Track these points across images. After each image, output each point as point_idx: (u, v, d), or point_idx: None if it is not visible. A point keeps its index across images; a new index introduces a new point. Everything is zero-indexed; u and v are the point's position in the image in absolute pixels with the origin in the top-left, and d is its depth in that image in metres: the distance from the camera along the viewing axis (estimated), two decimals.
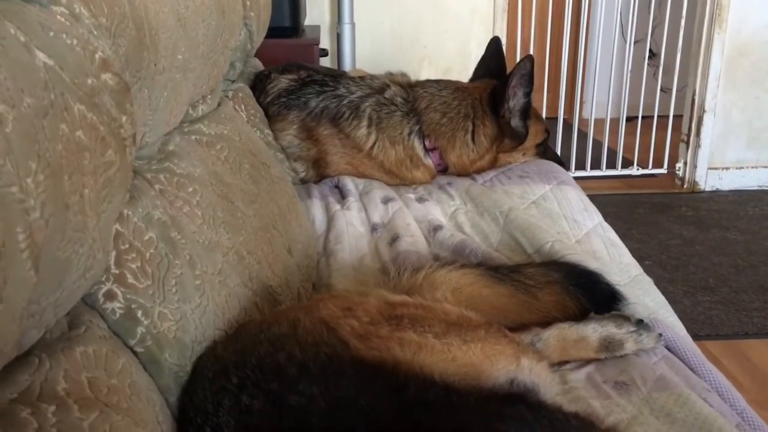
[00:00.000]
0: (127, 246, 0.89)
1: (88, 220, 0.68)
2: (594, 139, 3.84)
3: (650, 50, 4.10)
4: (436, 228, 1.63)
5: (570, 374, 1.13)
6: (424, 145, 1.91)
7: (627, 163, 3.88)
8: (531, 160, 2.02)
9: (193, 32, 1.20)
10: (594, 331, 1.18)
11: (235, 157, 1.36)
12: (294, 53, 2.53)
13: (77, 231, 0.65)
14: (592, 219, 1.70)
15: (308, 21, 3.27)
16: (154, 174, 1.06)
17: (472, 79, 2.12)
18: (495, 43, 2.14)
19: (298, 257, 1.44)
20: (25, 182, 0.57)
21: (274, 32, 2.24)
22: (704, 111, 3.65)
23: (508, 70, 1.94)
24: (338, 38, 3.41)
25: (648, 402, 1.06)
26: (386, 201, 1.76)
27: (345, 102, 1.92)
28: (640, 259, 1.59)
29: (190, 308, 0.96)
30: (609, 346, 1.17)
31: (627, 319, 1.20)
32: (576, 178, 2.04)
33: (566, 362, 1.17)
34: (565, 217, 1.68)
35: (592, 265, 1.38)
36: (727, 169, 3.75)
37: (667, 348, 1.20)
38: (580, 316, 1.24)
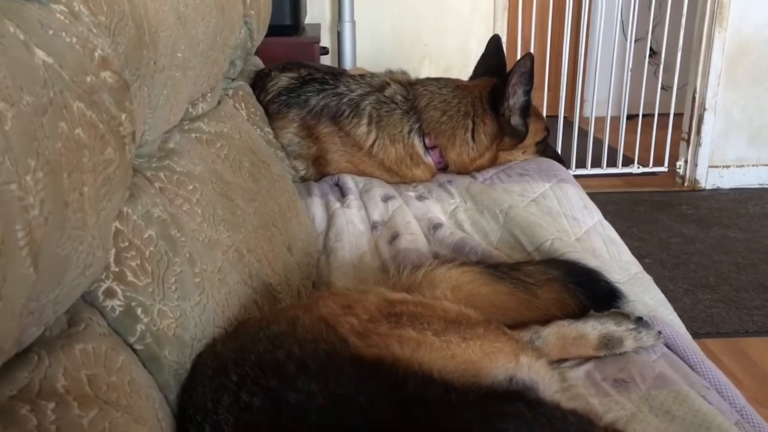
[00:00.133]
0: (126, 244, 0.89)
1: (87, 217, 0.68)
2: (594, 138, 3.84)
3: (651, 48, 4.10)
4: (436, 226, 1.63)
5: (569, 372, 1.13)
6: (424, 143, 1.91)
7: (627, 162, 3.88)
8: (531, 158, 2.02)
9: (192, 30, 1.20)
10: (593, 328, 1.18)
11: (235, 155, 1.36)
12: (294, 52, 2.53)
13: (77, 228, 0.65)
14: (591, 217, 1.70)
15: (309, 19, 3.27)
16: (154, 172, 1.07)
17: (472, 78, 2.12)
18: (495, 41, 2.14)
19: (298, 255, 1.44)
20: (25, 180, 0.57)
21: (274, 30, 2.24)
22: (705, 109, 3.65)
23: (508, 68, 1.94)
24: (339, 36, 3.41)
25: (647, 399, 1.06)
26: (386, 199, 1.76)
27: (345, 100, 1.92)
28: (640, 257, 1.59)
29: (190, 306, 0.96)
30: (608, 343, 1.17)
31: (626, 316, 1.20)
32: (576, 177, 2.04)
33: (565, 360, 1.17)
34: (565, 215, 1.68)
35: (592, 263, 1.38)
36: (728, 167, 3.75)
37: (667, 346, 1.20)
38: (579, 313, 1.25)
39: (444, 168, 1.97)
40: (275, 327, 0.98)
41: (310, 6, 3.31)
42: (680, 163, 3.82)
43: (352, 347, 0.92)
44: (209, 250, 1.07)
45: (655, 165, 3.88)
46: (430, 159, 1.93)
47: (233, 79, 1.87)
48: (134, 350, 0.86)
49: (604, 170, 3.85)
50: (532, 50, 2.28)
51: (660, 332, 1.20)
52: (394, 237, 1.59)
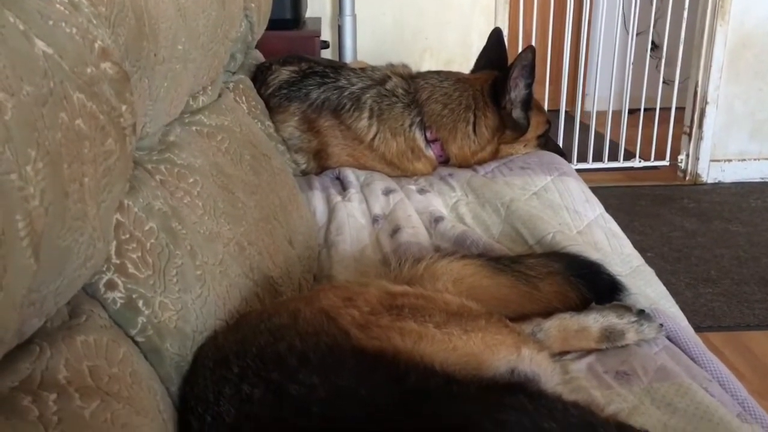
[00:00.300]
0: (127, 236, 0.89)
1: (88, 208, 0.68)
2: (596, 132, 3.83)
3: (653, 42, 4.09)
4: (438, 219, 1.63)
5: (571, 364, 1.13)
6: (426, 137, 1.91)
7: (629, 156, 3.88)
8: (532, 152, 2.02)
9: (193, 22, 1.19)
10: (595, 321, 1.18)
11: (235, 148, 1.36)
12: (295, 45, 2.53)
13: (77, 219, 0.65)
14: (593, 210, 1.69)
15: (309, 13, 3.27)
16: (155, 165, 1.06)
17: (473, 71, 2.12)
18: (496, 34, 2.14)
19: (299, 248, 1.44)
20: (25, 170, 0.57)
21: (275, 24, 2.24)
22: (707, 103, 3.64)
23: (510, 61, 1.94)
24: (339, 30, 3.40)
25: (649, 392, 1.06)
26: (387, 192, 1.76)
27: (346, 93, 1.91)
28: (642, 251, 1.59)
29: (191, 298, 0.96)
30: (610, 336, 1.17)
31: (628, 309, 1.20)
32: (578, 171, 2.04)
33: (567, 352, 1.17)
34: (567, 209, 1.68)
35: (594, 255, 1.38)
36: (730, 161, 3.75)
37: (668, 338, 1.20)
38: (581, 306, 1.24)
39: (445, 161, 1.97)
40: (276, 320, 0.98)
41: (310, 0, 3.30)
42: (682, 157, 3.81)
43: (353, 339, 0.92)
44: (210, 243, 1.07)
45: (656, 159, 3.87)
46: (431, 152, 1.93)
47: (234, 73, 1.86)
48: (136, 342, 0.86)
49: (606, 164, 3.85)
50: (533, 44, 2.27)
51: (662, 325, 1.19)
52: (395, 230, 1.59)
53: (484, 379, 0.91)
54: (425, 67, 2.14)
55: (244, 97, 1.79)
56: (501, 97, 1.91)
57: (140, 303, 0.87)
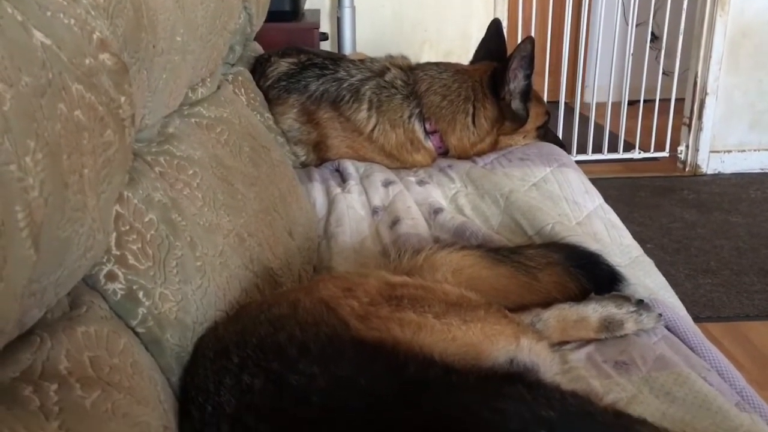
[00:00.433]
0: (127, 227, 0.89)
1: (87, 199, 0.68)
2: (596, 123, 3.83)
3: (652, 33, 4.08)
4: (437, 211, 1.63)
5: (570, 354, 1.14)
6: (425, 128, 1.91)
7: (629, 147, 3.87)
8: (532, 143, 2.02)
9: (191, 14, 1.19)
10: (594, 311, 1.18)
11: (235, 140, 1.36)
12: (294, 37, 2.52)
13: (77, 210, 0.65)
14: (593, 201, 1.70)
15: (308, 5, 3.26)
16: (154, 156, 1.07)
17: (472, 62, 2.12)
18: (495, 25, 2.13)
19: (299, 240, 1.44)
20: (24, 161, 0.57)
21: (273, 16, 2.23)
22: (706, 94, 3.64)
23: (509, 52, 1.94)
24: (338, 22, 3.39)
25: (648, 381, 1.06)
26: (387, 184, 1.76)
27: (345, 85, 1.91)
28: (641, 242, 1.59)
29: (191, 289, 0.97)
30: (609, 326, 1.17)
31: (627, 299, 1.20)
32: (578, 162, 2.04)
33: (566, 342, 1.17)
34: (566, 199, 1.68)
35: (593, 246, 1.38)
36: (729, 152, 3.74)
37: (667, 328, 1.21)
38: (580, 296, 1.25)
39: (444, 153, 1.97)
40: (276, 310, 0.98)
41: None
42: (681, 148, 3.81)
43: (353, 330, 0.93)
44: (210, 234, 1.07)
45: (656, 150, 3.87)
46: (430, 144, 1.93)
47: (233, 65, 1.86)
48: (136, 333, 0.87)
49: (605, 156, 3.85)
50: (532, 35, 2.27)
51: (660, 315, 1.20)
52: (394, 222, 1.59)
53: (483, 369, 0.92)
54: (425, 58, 2.14)
55: (243, 89, 1.79)
56: (500, 89, 1.90)
57: (140, 294, 0.87)
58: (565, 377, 1.06)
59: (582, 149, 3.83)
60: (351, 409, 0.80)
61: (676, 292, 1.40)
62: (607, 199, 1.75)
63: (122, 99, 0.79)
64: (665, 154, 3.88)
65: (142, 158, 1.03)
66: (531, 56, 1.88)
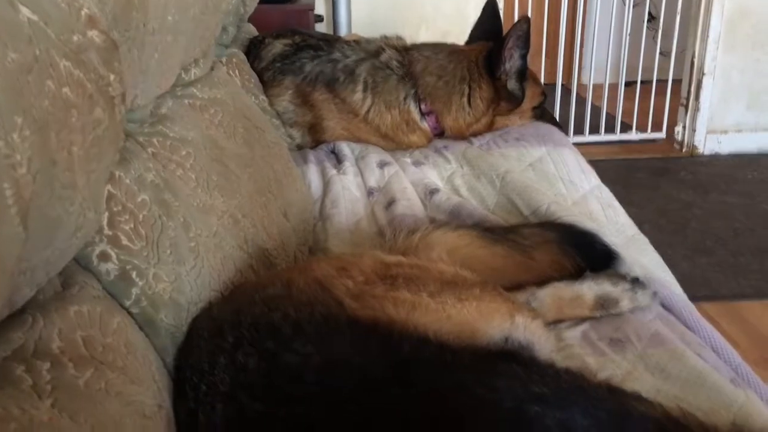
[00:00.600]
0: (120, 207, 0.88)
1: (77, 177, 0.67)
2: (592, 105, 3.82)
3: (649, 13, 4.06)
4: (433, 191, 1.63)
5: (565, 332, 1.14)
6: (420, 109, 1.90)
7: (626, 128, 3.87)
8: (528, 123, 2.01)
9: None
10: (589, 289, 1.18)
11: (228, 121, 1.35)
12: (288, 19, 2.51)
13: (66, 188, 0.65)
14: (589, 181, 1.69)
15: None
16: (147, 137, 1.06)
17: (468, 42, 2.10)
18: (491, 5, 2.11)
19: (294, 221, 1.44)
20: (11, 137, 0.56)
21: None
22: (703, 74, 3.62)
23: (505, 32, 1.92)
24: (333, 4, 3.37)
25: (642, 358, 1.06)
26: (382, 165, 1.75)
27: (340, 66, 1.90)
28: (638, 223, 1.59)
29: (185, 270, 0.96)
30: (604, 304, 1.17)
31: (622, 277, 1.20)
32: (575, 144, 2.03)
33: (562, 321, 1.17)
34: (562, 179, 1.67)
35: (589, 225, 1.38)
36: (726, 132, 3.74)
37: (663, 306, 1.21)
38: (575, 275, 1.24)
39: (440, 134, 1.96)
40: (271, 290, 0.98)
41: None
42: (678, 128, 3.80)
43: (347, 309, 0.93)
44: (204, 215, 1.07)
45: (653, 131, 3.86)
46: (426, 125, 1.92)
47: (227, 46, 1.85)
48: (130, 313, 0.87)
49: (602, 137, 3.84)
50: (529, 15, 2.25)
51: (656, 292, 1.20)
52: (390, 203, 1.59)
53: (478, 347, 0.92)
54: (421, 39, 2.11)
55: (237, 71, 1.78)
56: (496, 69, 1.89)
57: (134, 274, 0.87)
58: (560, 355, 1.06)
59: (579, 130, 3.82)
60: (345, 387, 0.80)
61: (673, 273, 1.40)
62: (604, 180, 1.75)
63: (112, 77, 0.79)
64: (662, 135, 3.88)
65: (134, 139, 1.02)
66: (527, 35, 1.86)
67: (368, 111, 1.88)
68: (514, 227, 1.39)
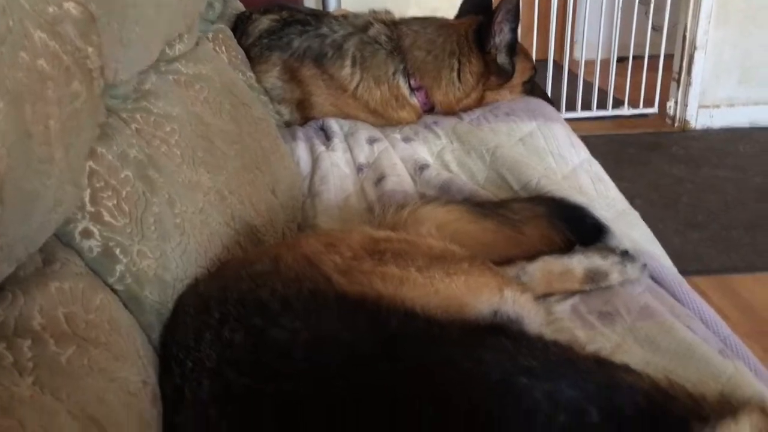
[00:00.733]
0: (102, 184, 0.87)
1: (54, 151, 0.66)
2: (584, 81, 3.80)
3: None
4: (422, 167, 1.61)
5: (555, 306, 1.14)
6: (410, 84, 1.88)
7: (618, 104, 3.85)
8: (518, 98, 1.99)
9: None
10: (579, 262, 1.17)
11: (215, 97, 1.34)
12: None
13: (43, 162, 0.64)
14: (579, 155, 1.68)
15: None
16: (130, 113, 1.04)
17: (457, 16, 2.08)
18: None
19: (283, 198, 1.43)
20: None
21: None
22: (695, 48, 3.60)
23: (495, 5, 1.90)
24: None
25: (632, 331, 1.06)
26: (372, 141, 1.74)
27: (328, 41, 1.88)
28: (630, 198, 1.58)
29: (171, 247, 0.95)
30: (594, 277, 1.17)
31: (612, 250, 1.20)
32: (567, 120, 2.01)
33: (552, 294, 1.17)
34: (552, 154, 1.66)
35: (578, 199, 1.37)
36: (718, 107, 3.73)
37: (652, 279, 1.20)
38: (565, 249, 1.24)
39: (430, 109, 1.94)
40: (258, 266, 0.97)
41: None
42: (670, 103, 3.79)
43: (335, 285, 0.92)
44: (189, 192, 1.05)
45: (645, 106, 3.85)
46: (415, 100, 1.90)
47: (213, 22, 1.82)
48: (114, 290, 0.86)
49: (595, 113, 3.82)
50: None
51: (645, 265, 1.19)
52: (380, 179, 1.58)
53: (466, 321, 0.91)
54: (410, 15, 2.09)
55: (224, 47, 1.76)
56: (486, 43, 1.87)
57: (117, 251, 0.86)
58: (550, 328, 1.05)
59: (571, 107, 3.80)
60: (333, 363, 0.80)
61: (665, 247, 1.39)
62: (596, 155, 1.74)
63: (89, 49, 0.77)
64: (654, 110, 3.86)
65: (117, 115, 1.00)
66: (516, 9, 1.84)
67: (357, 86, 1.86)
68: (504, 202, 1.38)
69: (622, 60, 3.81)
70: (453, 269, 0.98)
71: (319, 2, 3.34)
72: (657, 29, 3.77)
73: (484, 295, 0.96)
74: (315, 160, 1.68)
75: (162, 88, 1.17)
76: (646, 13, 3.80)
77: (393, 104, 1.88)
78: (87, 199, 0.84)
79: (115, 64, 0.96)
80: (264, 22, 1.95)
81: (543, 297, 1.15)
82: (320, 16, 2.00)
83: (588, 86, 3.79)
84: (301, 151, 1.72)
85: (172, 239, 0.96)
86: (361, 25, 1.92)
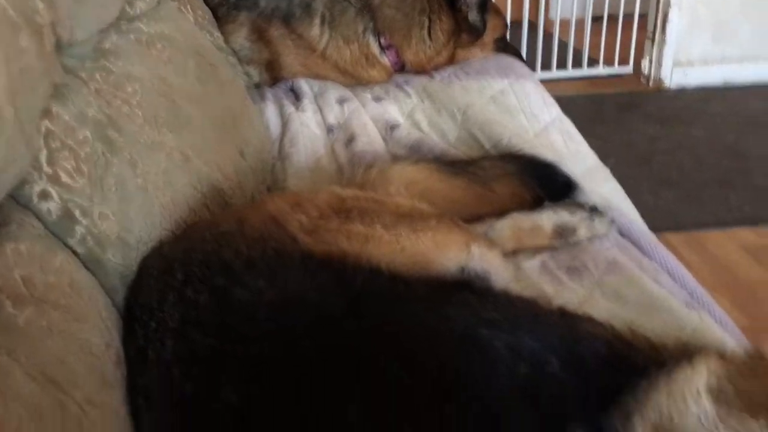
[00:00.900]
0: (58, 144, 0.85)
1: (2, 109, 0.64)
2: (560, 40, 3.78)
3: None
4: (393, 127, 1.60)
5: (524, 262, 1.14)
6: (380, 43, 1.85)
7: (593, 63, 3.84)
8: (490, 56, 1.97)
9: None
10: (548, 218, 1.18)
11: (179, 57, 1.31)
12: None
13: None
14: (550, 112, 1.68)
15: None
16: (89, 73, 1.02)
17: None
18: None
19: (252, 160, 1.41)
20: None
21: None
22: (670, 6, 3.58)
23: None
24: None
25: (599, 285, 1.07)
26: (342, 101, 1.72)
27: (296, 1, 1.84)
28: (604, 157, 1.57)
29: (133, 208, 0.94)
30: (563, 233, 1.17)
31: (580, 206, 1.20)
32: (542, 81, 2.00)
33: (521, 251, 1.17)
34: (524, 112, 1.66)
35: (549, 157, 1.37)
36: (692, 65, 3.72)
37: (621, 234, 1.21)
38: (536, 207, 1.24)
39: (401, 68, 1.92)
40: (223, 227, 0.96)
41: None
42: (645, 62, 3.78)
43: (301, 244, 0.91)
44: (151, 152, 1.04)
45: (620, 66, 3.84)
46: (386, 59, 1.87)
47: None
48: (76, 253, 0.84)
49: (570, 72, 3.80)
50: None
51: (613, 220, 1.20)
52: (350, 139, 1.56)
53: (432, 278, 0.91)
54: None
55: (189, 6, 1.71)
56: (456, 0, 1.85)
57: (77, 212, 0.84)
58: (519, 285, 1.05)
59: (546, 66, 3.78)
60: (298, 323, 0.79)
61: (638, 205, 1.39)
62: (572, 115, 1.72)
63: (40, 5, 0.75)
64: (629, 69, 3.85)
65: (74, 74, 0.98)
66: None
67: (326, 46, 1.83)
68: (474, 160, 1.38)
69: (597, 19, 3.78)
70: (420, 226, 0.98)
71: None
72: None
73: (451, 252, 0.96)
74: (284, 122, 1.65)
75: (123, 48, 1.15)
76: None
77: (363, 63, 1.86)
78: (44, 160, 0.82)
79: (70, 21, 0.94)
80: None
81: (513, 254, 1.15)
82: None
83: (563, 46, 3.77)
84: (271, 112, 1.70)
85: (134, 201, 0.94)
86: None
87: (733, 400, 0.59)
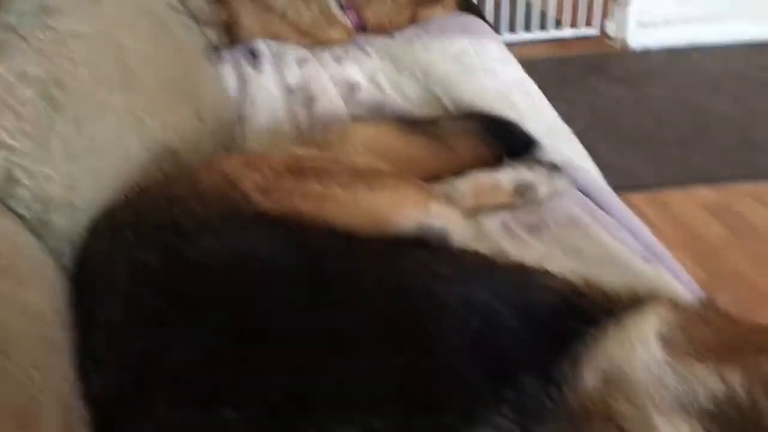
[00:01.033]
0: None
1: None
2: (526, 2, 3.76)
3: None
4: (354, 88, 1.58)
5: (485, 220, 1.13)
6: (340, 3, 1.82)
7: (558, 25, 3.83)
8: (452, 15, 1.95)
9: None
10: (508, 176, 1.17)
11: (129, 16, 1.27)
12: None
13: None
14: (512, 72, 1.67)
15: None
16: (30, 30, 0.98)
17: None
18: None
19: (210, 123, 1.38)
20: None
21: None
22: None
23: None
24: None
25: (558, 240, 1.07)
26: (301, 62, 1.69)
27: None
28: (569, 119, 1.57)
29: (80, 170, 0.91)
30: (523, 190, 1.17)
31: (540, 163, 1.20)
32: (507, 45, 1.97)
33: (481, 209, 1.16)
34: (485, 70, 1.64)
35: (510, 115, 1.36)
36: (656, 26, 3.73)
37: (580, 191, 1.21)
38: (496, 166, 1.23)
39: (362, 29, 1.89)
40: (175, 188, 0.94)
41: None
42: (611, 24, 3.78)
43: (255, 204, 0.90)
44: (100, 113, 1.01)
45: (586, 27, 3.83)
46: (346, 19, 1.84)
47: None
48: (19, 216, 0.82)
49: (535, 34, 3.79)
50: None
51: (573, 177, 1.20)
52: (310, 101, 1.54)
53: (389, 236, 0.90)
54: None
55: None
56: None
57: (18, 173, 0.82)
58: (479, 244, 1.05)
59: (512, 28, 3.76)
60: (250, 282, 0.78)
61: (602, 165, 1.39)
62: (537, 78, 1.71)
63: None
64: (595, 31, 3.85)
65: (14, 32, 0.95)
66: None
67: (285, 6, 1.79)
68: (435, 119, 1.37)
69: None
70: (377, 185, 0.96)
71: None
72: None
73: (408, 210, 0.95)
74: (243, 84, 1.62)
75: (68, 5, 1.11)
76: None
77: (323, 24, 1.82)
78: None
79: None
80: None
81: (473, 212, 1.15)
82: None
83: (529, 8, 3.75)
84: (229, 74, 1.66)
85: (80, 162, 0.91)
86: None
87: (683, 346, 0.59)
